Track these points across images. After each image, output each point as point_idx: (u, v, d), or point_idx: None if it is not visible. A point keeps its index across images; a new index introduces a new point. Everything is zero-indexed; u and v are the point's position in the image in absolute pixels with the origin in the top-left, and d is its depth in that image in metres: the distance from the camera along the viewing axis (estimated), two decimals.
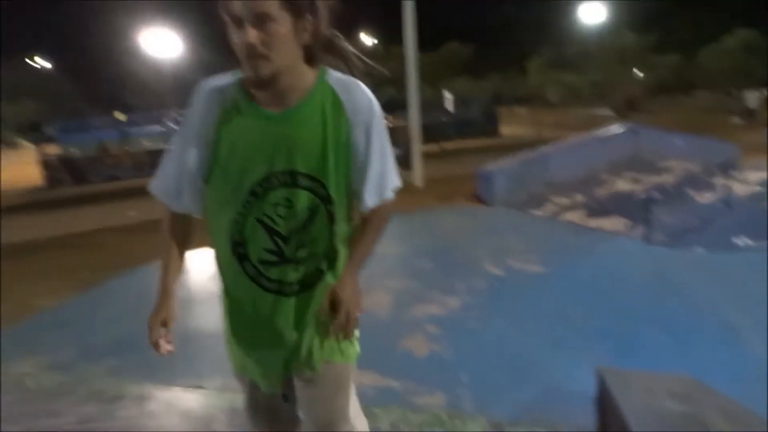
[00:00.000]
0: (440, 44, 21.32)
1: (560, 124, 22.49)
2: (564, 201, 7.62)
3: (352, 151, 1.41)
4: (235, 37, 1.28)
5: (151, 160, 19.59)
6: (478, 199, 8.33)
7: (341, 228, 1.46)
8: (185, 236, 1.53)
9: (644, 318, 3.81)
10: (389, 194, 1.48)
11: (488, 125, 25.23)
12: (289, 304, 1.45)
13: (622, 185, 8.16)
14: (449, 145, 20.07)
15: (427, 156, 11.90)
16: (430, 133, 17.25)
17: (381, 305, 4.10)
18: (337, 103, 1.39)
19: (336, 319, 1.44)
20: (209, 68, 1.36)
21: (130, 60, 24.26)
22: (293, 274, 1.43)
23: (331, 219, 1.43)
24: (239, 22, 1.27)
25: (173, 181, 1.45)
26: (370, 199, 1.44)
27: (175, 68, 22.10)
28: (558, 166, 8.70)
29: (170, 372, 3.29)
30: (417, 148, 11.00)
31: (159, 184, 1.47)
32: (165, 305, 1.48)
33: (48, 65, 40.46)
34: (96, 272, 5.98)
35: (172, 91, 21.55)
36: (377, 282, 4.52)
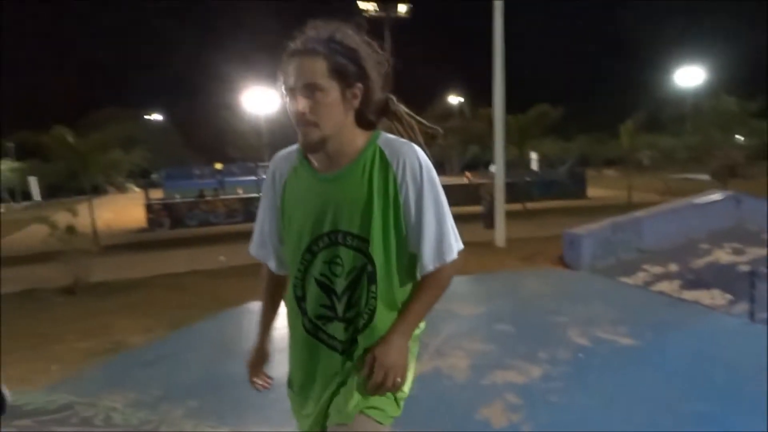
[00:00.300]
0: (530, 106, 21.22)
1: (652, 188, 21.54)
2: (657, 270, 7.17)
3: (402, 211, 1.43)
4: (290, 106, 1.39)
5: (243, 207, 20.67)
6: (563, 262, 8.04)
7: (386, 288, 1.46)
8: (279, 288, 1.69)
9: (746, 404, 3.44)
10: (450, 257, 1.46)
11: (575, 186, 24.64)
12: (338, 359, 1.49)
13: (723, 256, 7.58)
14: (533, 206, 19.71)
15: (511, 215, 11.72)
16: (514, 193, 17.05)
17: (458, 368, 3.98)
18: (384, 165, 1.42)
19: (371, 378, 1.43)
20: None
21: (232, 115, 25.98)
22: (342, 333, 1.48)
23: (370, 278, 1.44)
24: (292, 92, 1.38)
25: (260, 242, 1.63)
26: (429, 262, 1.45)
27: (270, 123, 23.40)
28: (652, 232, 8.24)
29: (244, 418, 3.35)
30: (501, 207, 10.87)
31: (253, 242, 1.65)
32: (258, 347, 1.73)
33: (160, 118, 44.44)
34: (185, 313, 6.27)
35: (267, 144, 22.77)
36: (455, 344, 4.41)
